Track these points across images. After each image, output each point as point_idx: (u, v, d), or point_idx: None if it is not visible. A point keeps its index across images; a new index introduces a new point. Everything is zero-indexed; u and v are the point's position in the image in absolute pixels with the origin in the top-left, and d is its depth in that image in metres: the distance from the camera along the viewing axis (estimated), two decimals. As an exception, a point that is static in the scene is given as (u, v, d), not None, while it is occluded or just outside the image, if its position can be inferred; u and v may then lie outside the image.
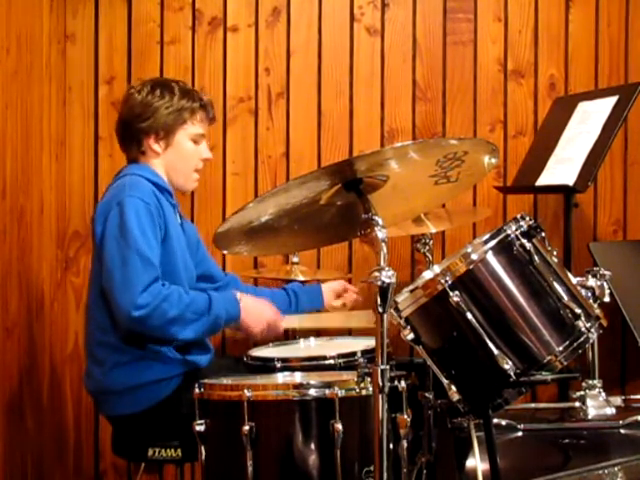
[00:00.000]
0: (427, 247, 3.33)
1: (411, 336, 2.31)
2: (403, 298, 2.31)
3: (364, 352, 2.78)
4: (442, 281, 2.26)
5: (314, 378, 2.52)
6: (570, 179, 3.36)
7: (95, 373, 2.84)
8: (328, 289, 3.25)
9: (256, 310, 2.85)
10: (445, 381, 2.29)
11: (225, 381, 2.50)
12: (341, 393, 2.30)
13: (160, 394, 2.77)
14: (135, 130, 2.89)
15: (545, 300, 2.28)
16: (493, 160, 2.31)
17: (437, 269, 2.32)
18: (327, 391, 2.31)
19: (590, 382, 2.98)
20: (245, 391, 2.32)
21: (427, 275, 2.36)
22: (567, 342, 2.26)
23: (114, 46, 3.82)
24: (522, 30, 3.95)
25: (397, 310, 2.31)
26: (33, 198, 3.57)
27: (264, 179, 3.88)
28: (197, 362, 2.83)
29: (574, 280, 2.36)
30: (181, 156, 2.94)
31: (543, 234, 2.36)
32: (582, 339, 2.27)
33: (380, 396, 2.02)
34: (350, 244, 3.90)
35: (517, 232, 2.31)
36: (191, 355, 2.82)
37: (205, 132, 2.97)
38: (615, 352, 3.91)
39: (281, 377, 2.61)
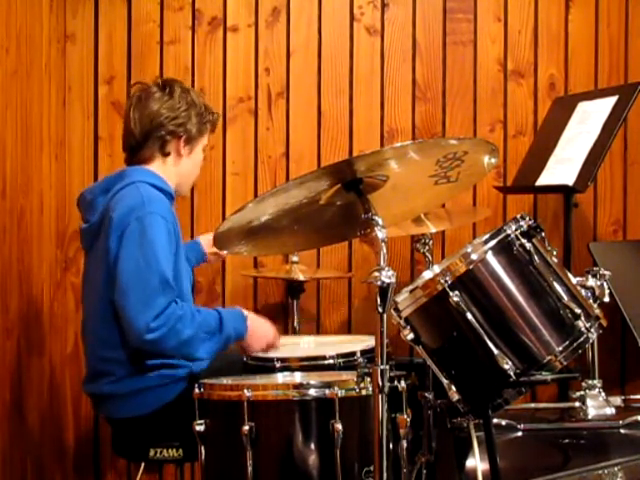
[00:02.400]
0: (427, 247, 3.33)
1: (411, 336, 2.31)
2: (403, 298, 2.31)
3: (364, 352, 2.78)
4: (442, 281, 2.26)
5: (314, 378, 2.53)
6: (570, 179, 3.36)
7: (97, 382, 2.81)
8: (205, 239, 3.25)
9: (260, 330, 2.82)
10: (445, 381, 2.29)
11: (225, 381, 2.50)
12: (341, 393, 2.30)
13: (165, 398, 2.76)
14: (167, 130, 2.83)
15: (545, 300, 2.28)
16: (493, 160, 2.31)
17: (437, 269, 2.32)
18: (327, 391, 2.31)
19: (590, 382, 2.98)
20: (245, 391, 2.32)
21: (427, 275, 2.36)
22: (567, 342, 2.26)
23: (114, 46, 3.82)
24: (522, 30, 3.95)
25: (397, 310, 2.31)
26: (33, 198, 3.57)
27: (264, 179, 3.88)
28: (200, 364, 2.82)
29: (574, 280, 2.36)
30: (196, 164, 2.95)
31: (543, 234, 2.36)
32: (582, 339, 2.27)
33: (380, 396, 2.02)
34: (350, 244, 3.90)
35: (517, 232, 2.31)
36: (196, 361, 2.81)
37: None
38: (615, 352, 3.91)
39: (281, 377, 2.61)
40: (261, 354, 2.90)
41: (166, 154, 2.86)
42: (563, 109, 3.71)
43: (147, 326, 2.58)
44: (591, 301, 2.34)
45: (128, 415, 2.79)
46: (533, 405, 3.50)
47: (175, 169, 2.89)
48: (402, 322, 2.31)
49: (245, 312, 2.82)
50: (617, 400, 3.06)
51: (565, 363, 2.27)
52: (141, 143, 2.85)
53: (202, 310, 2.74)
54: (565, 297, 2.28)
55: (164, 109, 2.83)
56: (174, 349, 2.66)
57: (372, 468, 2.08)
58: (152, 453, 2.79)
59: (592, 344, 3.02)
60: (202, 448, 2.41)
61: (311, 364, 2.76)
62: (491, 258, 2.28)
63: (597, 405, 2.94)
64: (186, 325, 2.63)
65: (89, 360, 2.87)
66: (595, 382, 2.98)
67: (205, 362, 2.84)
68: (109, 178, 2.87)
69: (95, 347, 2.82)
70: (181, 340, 2.63)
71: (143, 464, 3.33)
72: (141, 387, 2.75)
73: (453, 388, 2.27)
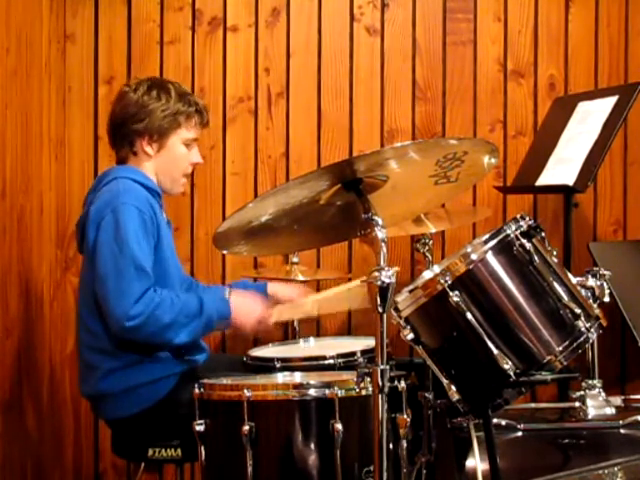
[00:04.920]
0: (427, 247, 3.33)
1: (411, 336, 2.31)
2: (403, 298, 2.31)
3: (364, 352, 2.78)
4: (442, 281, 2.25)
5: (314, 378, 2.53)
6: (570, 179, 3.36)
7: (90, 378, 2.83)
8: (274, 287, 3.12)
9: (246, 307, 2.82)
10: (445, 381, 2.28)
11: (225, 381, 2.50)
12: (341, 393, 2.30)
13: (157, 394, 2.76)
14: (128, 130, 2.85)
15: (545, 300, 2.28)
16: (493, 160, 2.31)
17: (437, 269, 2.31)
18: (327, 391, 2.31)
19: (590, 382, 2.98)
20: (245, 391, 2.32)
21: (427, 275, 2.36)
22: (567, 342, 2.26)
23: (114, 46, 3.82)
24: (522, 30, 3.95)
25: (397, 310, 2.31)
26: (33, 198, 3.57)
27: (264, 179, 3.88)
28: (193, 361, 2.83)
29: (574, 280, 2.36)
30: (172, 160, 2.90)
31: (543, 234, 2.36)
32: (582, 339, 2.27)
33: (380, 396, 2.02)
34: (350, 244, 3.90)
35: (517, 232, 2.31)
36: (186, 355, 2.81)
37: (198, 136, 2.94)
38: (615, 352, 3.91)
39: (281, 377, 2.61)
40: (259, 353, 2.90)
41: (135, 152, 2.88)
42: (563, 109, 3.70)
43: (126, 314, 2.61)
44: (591, 301, 2.34)
45: (123, 415, 2.79)
46: (533, 405, 3.50)
47: (150, 165, 2.89)
48: (402, 322, 2.31)
49: (227, 292, 2.82)
50: (617, 400, 3.06)
51: (565, 363, 2.27)
52: (114, 143, 2.92)
53: (182, 295, 2.75)
54: (565, 297, 2.28)
55: (124, 108, 2.86)
56: (155, 335, 2.67)
57: (372, 468, 2.07)
58: (151, 453, 2.79)
59: (592, 344, 3.02)
60: (202, 448, 2.41)
61: (311, 364, 2.77)
62: (491, 258, 2.28)
63: (597, 405, 2.94)
64: (165, 311, 2.64)
65: (79, 353, 2.90)
66: (595, 382, 2.98)
67: (201, 357, 2.85)
68: (98, 177, 2.93)
69: (84, 339, 2.85)
70: (161, 326, 2.64)
71: (143, 464, 3.33)
72: (132, 385, 2.76)
73: (453, 388, 2.27)
